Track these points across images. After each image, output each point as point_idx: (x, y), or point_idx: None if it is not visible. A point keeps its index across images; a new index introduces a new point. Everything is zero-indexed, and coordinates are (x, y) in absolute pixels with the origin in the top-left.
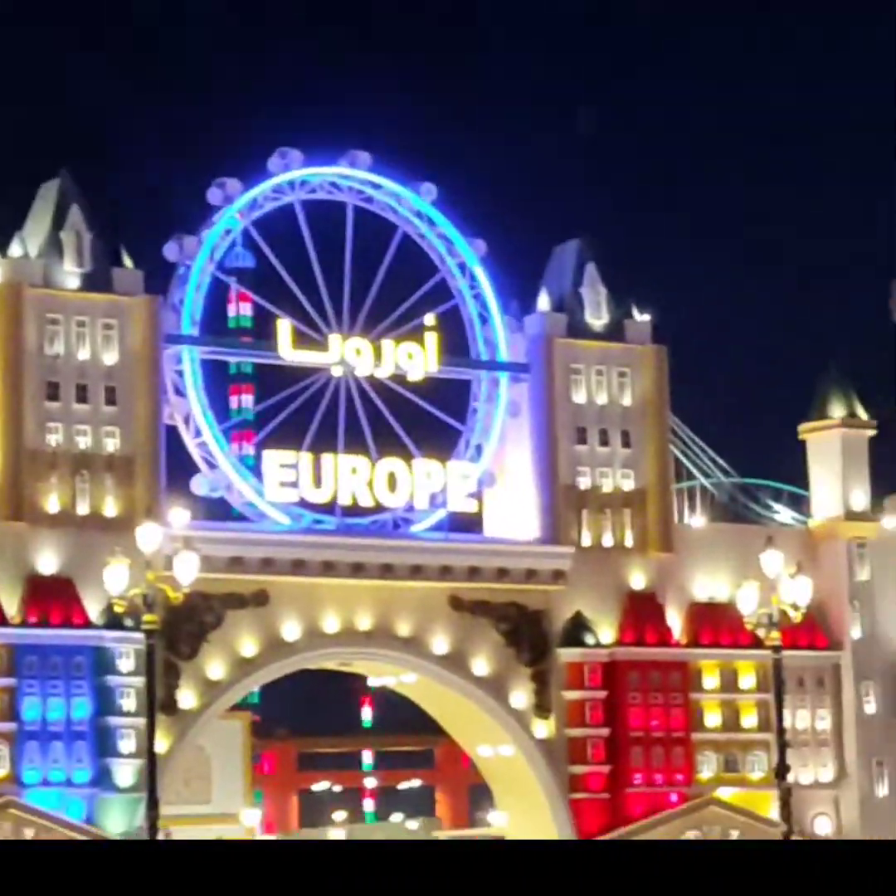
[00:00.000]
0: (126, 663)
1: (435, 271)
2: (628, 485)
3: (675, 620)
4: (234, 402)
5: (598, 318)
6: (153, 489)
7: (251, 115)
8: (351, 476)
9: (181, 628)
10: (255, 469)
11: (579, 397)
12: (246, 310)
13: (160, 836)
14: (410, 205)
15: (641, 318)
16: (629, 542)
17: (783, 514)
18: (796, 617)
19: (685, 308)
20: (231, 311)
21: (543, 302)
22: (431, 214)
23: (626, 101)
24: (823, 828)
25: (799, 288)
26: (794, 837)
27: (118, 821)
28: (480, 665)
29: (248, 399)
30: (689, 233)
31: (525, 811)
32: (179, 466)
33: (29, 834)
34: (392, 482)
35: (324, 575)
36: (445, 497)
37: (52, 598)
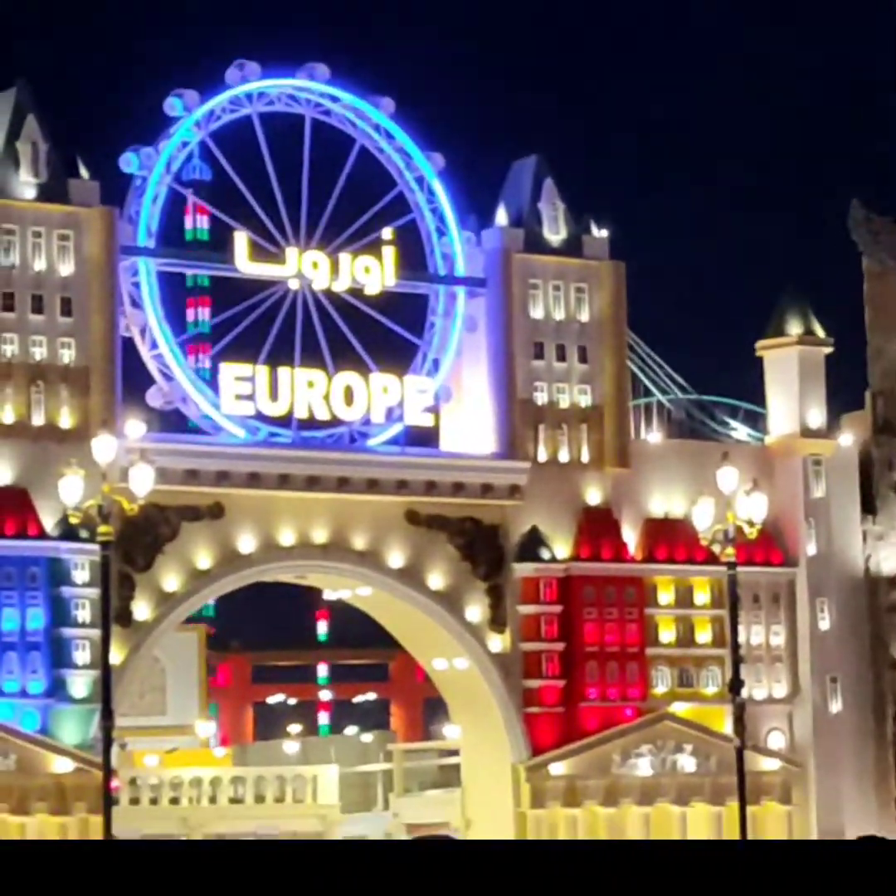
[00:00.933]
0: (81, 575)
1: (393, 185)
2: (585, 400)
3: (631, 536)
4: (190, 314)
5: (555, 233)
6: (109, 401)
7: (209, 25)
8: (307, 390)
9: (136, 540)
10: (212, 382)
11: (536, 312)
12: (203, 223)
13: (115, 747)
14: (369, 118)
15: (599, 233)
16: (585, 457)
17: (740, 431)
18: (751, 533)
19: (644, 224)
20: (188, 223)
21: (501, 217)
22: (390, 128)
23: (585, 8)
24: (776, 743)
25: (759, 204)
26: (748, 752)
27: (73, 732)
28: (436, 579)
29: (204, 312)
30: (649, 148)
31: (479, 725)
32: (135, 379)
33: None
34: (349, 396)
35: (280, 488)
36: (402, 411)
37: (6, 509)
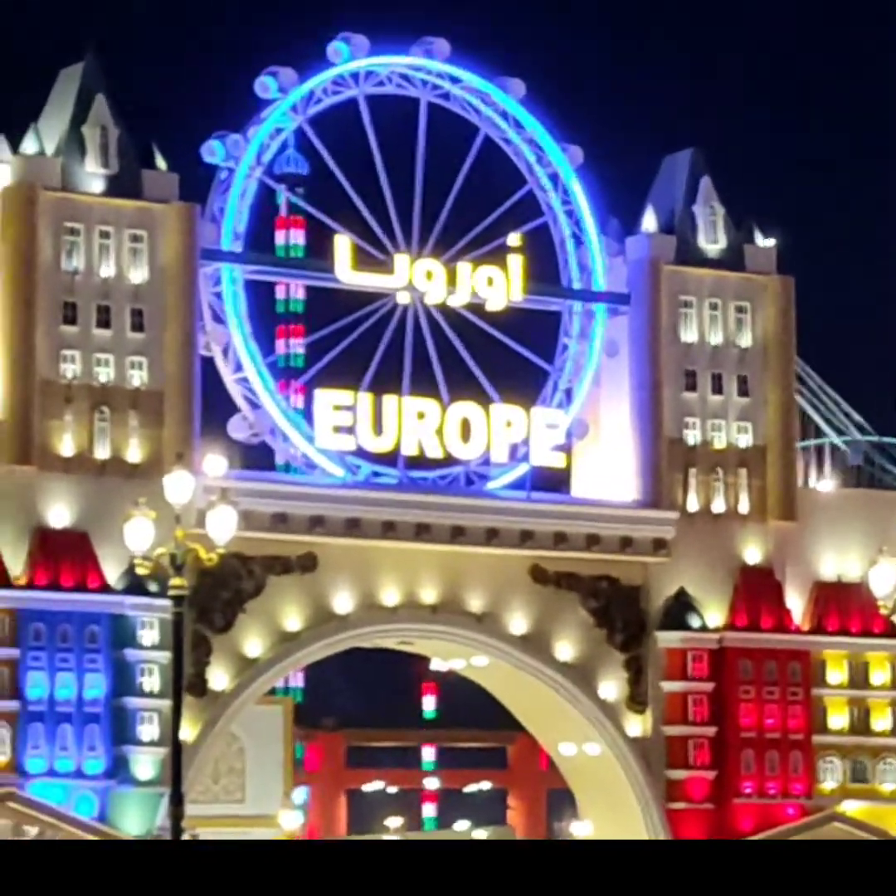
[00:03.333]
0: (149, 635)
1: (522, 183)
2: (745, 441)
3: (796, 602)
4: (280, 346)
5: (713, 242)
6: (185, 431)
7: None
8: (417, 422)
9: (215, 596)
10: (306, 412)
11: (689, 335)
12: (298, 237)
13: (185, 839)
14: (495, 103)
15: (765, 243)
16: (744, 508)
17: None
18: None
19: (817, 232)
20: (279, 238)
21: (649, 222)
22: (519, 115)
23: None
24: None
25: None
26: None
27: (135, 820)
28: (565, 648)
29: (298, 344)
30: (823, 143)
31: (613, 821)
32: (216, 406)
33: (31, 832)
34: (465, 430)
35: (383, 537)
36: (528, 449)
37: (63, 555)
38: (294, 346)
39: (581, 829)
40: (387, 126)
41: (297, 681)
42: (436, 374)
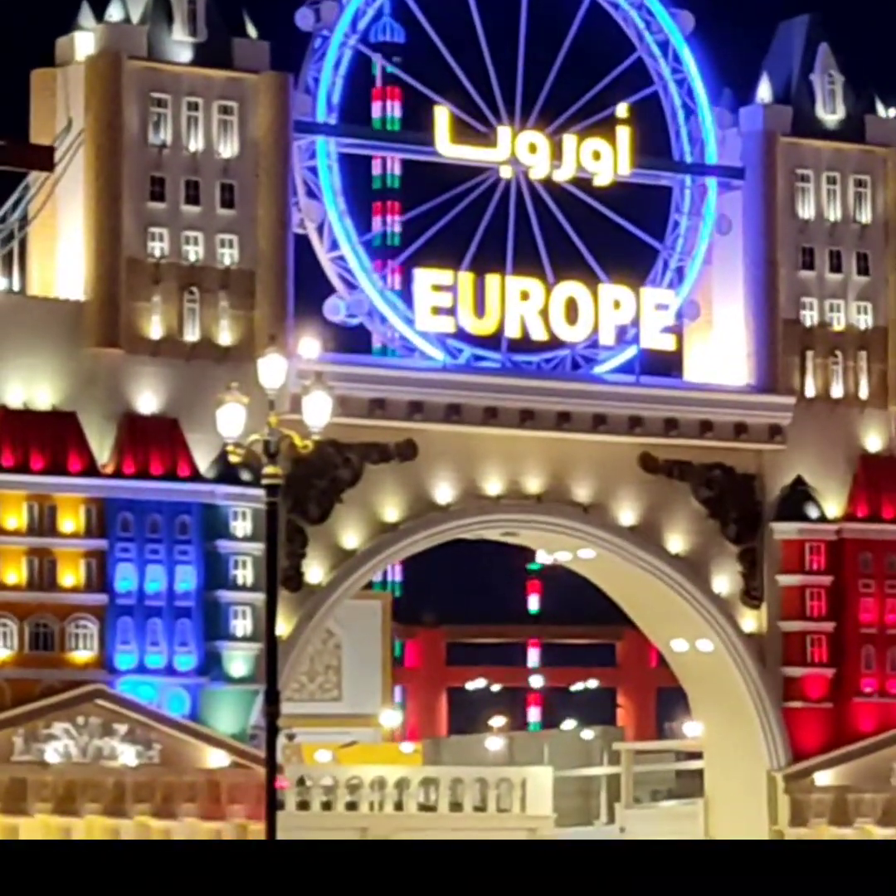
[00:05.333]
0: (241, 526)
1: (631, 50)
2: (865, 322)
3: None
4: (376, 224)
5: (831, 112)
6: (278, 313)
7: None
8: (521, 303)
9: (310, 485)
10: (405, 293)
11: (806, 211)
12: (395, 109)
13: (281, 739)
14: None
15: (887, 113)
16: (864, 392)
17: None
18: None
19: None
20: (376, 110)
21: (764, 91)
22: None
23: None
24: None
25: None
26: None
27: (229, 718)
28: (676, 541)
29: (395, 222)
30: None
31: (726, 722)
32: (311, 286)
33: (121, 730)
34: (571, 311)
35: (485, 424)
36: (638, 332)
37: (152, 442)
38: (391, 223)
39: (693, 729)
40: None
41: (396, 574)
42: (540, 252)
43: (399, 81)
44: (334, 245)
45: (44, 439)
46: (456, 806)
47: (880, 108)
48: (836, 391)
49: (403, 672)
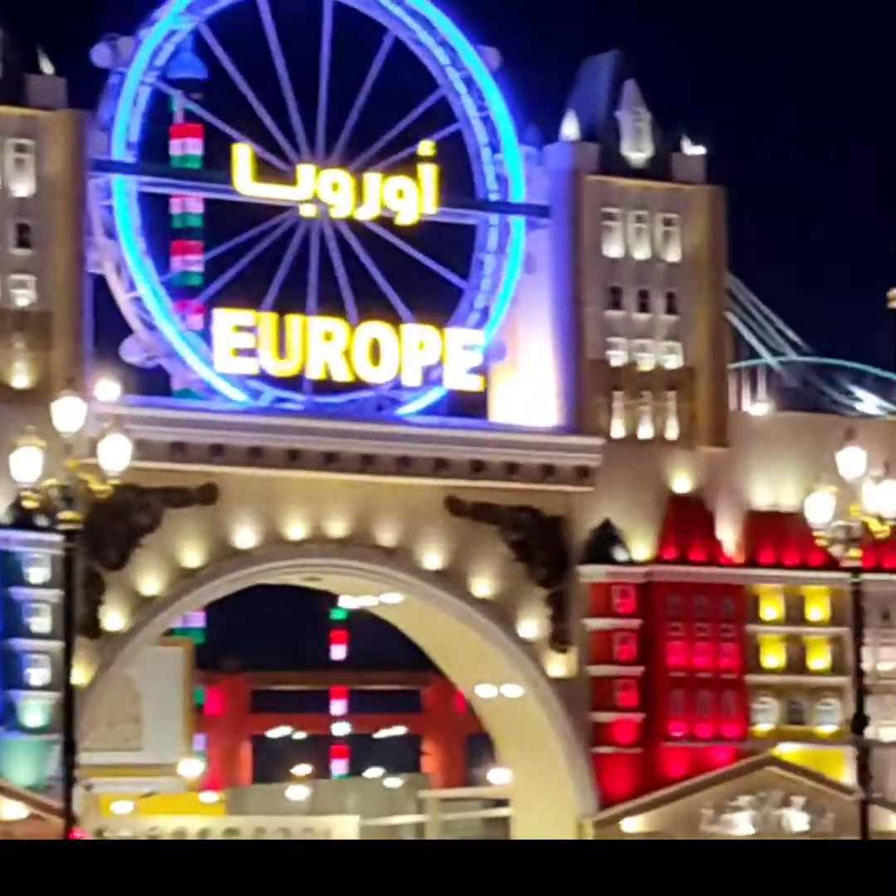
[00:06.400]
0: (38, 572)
1: (434, 87)
2: (673, 362)
3: (728, 533)
4: (176, 263)
5: (638, 149)
6: (75, 354)
7: None
8: (324, 343)
9: (108, 530)
10: (204, 333)
11: (613, 250)
12: (195, 147)
13: (79, 789)
14: (405, 2)
15: (693, 150)
16: (672, 433)
17: (868, 402)
18: (882, 532)
19: (750, 139)
20: (175, 148)
21: (570, 128)
22: (431, 14)
23: None
24: None
25: None
26: (873, 806)
27: (25, 769)
28: (483, 584)
29: (195, 261)
30: (756, 42)
31: (534, 768)
32: (109, 327)
33: None
34: (375, 352)
35: (288, 467)
36: (443, 372)
37: None
38: (191, 263)
39: (500, 776)
40: (289, 27)
41: (197, 621)
42: (343, 292)
43: (199, 118)
44: (132, 285)
45: None
46: None
47: (687, 146)
48: (645, 432)
49: (205, 720)
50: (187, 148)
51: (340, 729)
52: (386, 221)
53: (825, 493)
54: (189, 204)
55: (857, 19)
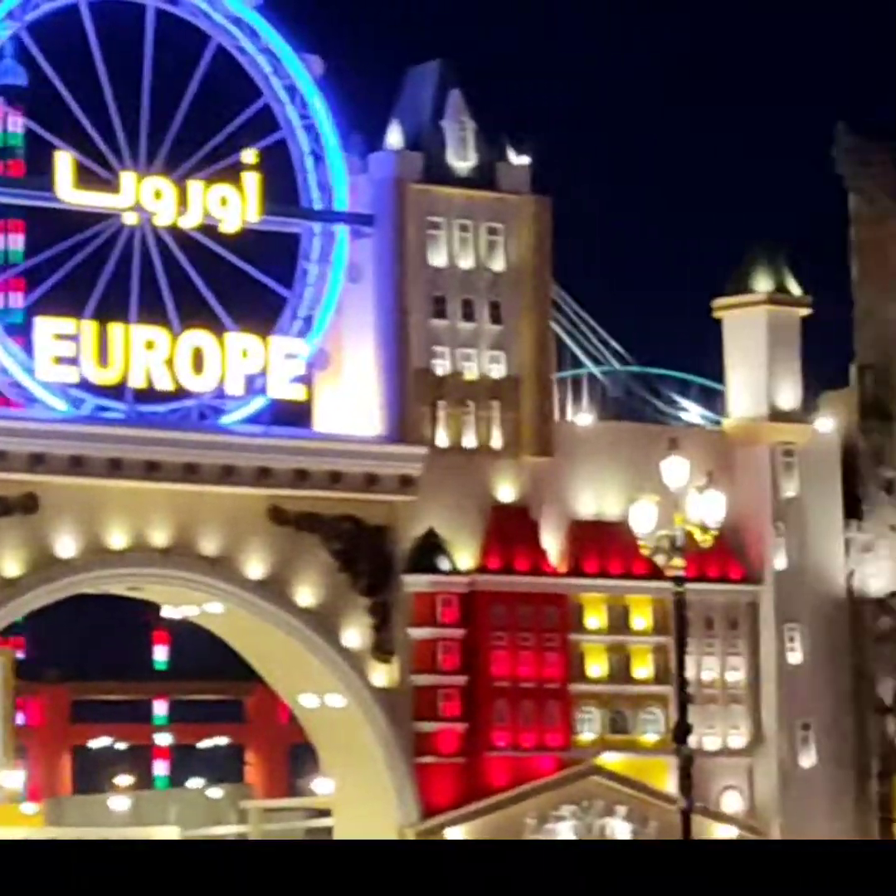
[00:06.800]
0: None
1: (258, 95)
2: (498, 371)
3: (552, 542)
4: None
5: (463, 159)
6: None
7: None
8: (146, 352)
9: None
10: (25, 341)
11: (438, 259)
12: (16, 126)
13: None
14: (228, 9)
15: (518, 160)
16: (497, 442)
17: (692, 412)
18: (705, 541)
19: (575, 150)
20: None
21: (395, 137)
22: (254, 22)
23: None
24: (733, 805)
25: (721, 127)
26: (696, 815)
27: None
28: (306, 594)
29: (17, 240)
30: (580, 53)
31: (357, 778)
32: None
33: None
34: (198, 361)
35: (109, 476)
36: (265, 381)
37: None
38: (13, 242)
39: (323, 785)
40: (111, 34)
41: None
42: (166, 300)
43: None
44: None
45: None
46: None
47: (512, 156)
48: (469, 441)
49: (25, 730)
50: (10, 126)
51: (162, 739)
52: (209, 230)
53: (648, 503)
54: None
55: (677, 30)
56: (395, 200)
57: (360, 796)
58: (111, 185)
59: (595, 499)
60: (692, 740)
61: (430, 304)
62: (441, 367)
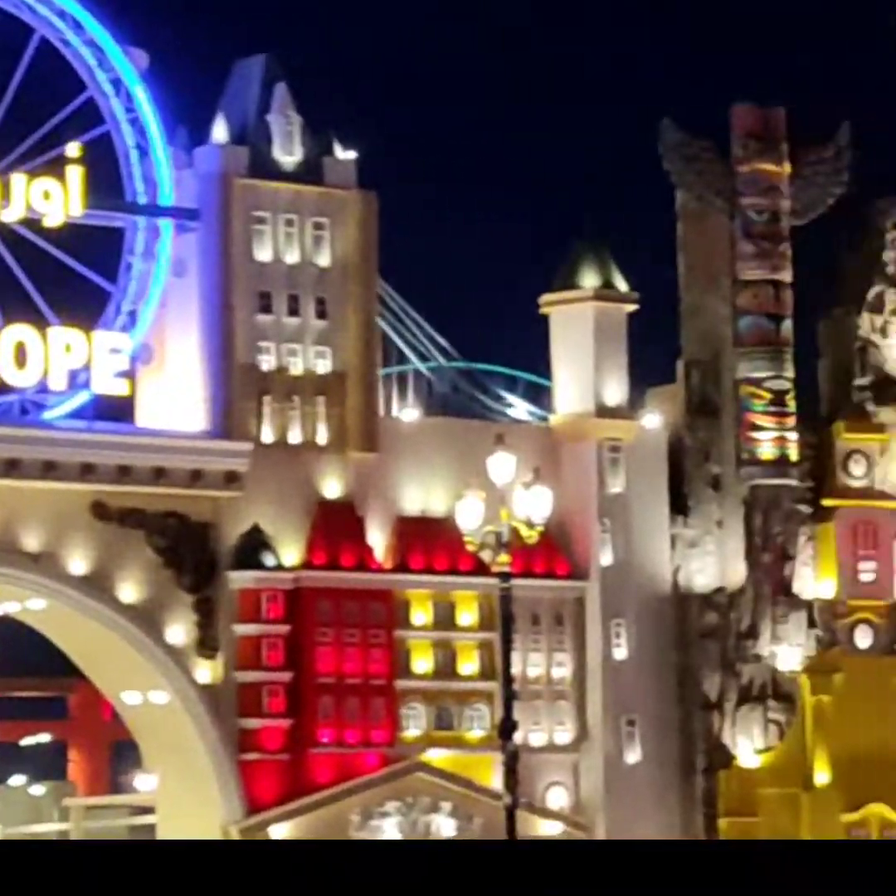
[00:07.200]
0: None
1: (82, 88)
2: (324, 367)
3: (378, 539)
4: None
5: (289, 154)
6: None
7: None
8: None
9: None
10: None
11: (264, 254)
12: None
13: None
14: (51, 2)
15: (345, 155)
16: (323, 438)
17: (518, 408)
18: (530, 537)
19: (401, 145)
20: None
21: (220, 131)
22: (78, 15)
23: None
24: (558, 801)
25: (547, 122)
26: (521, 811)
27: None
28: (129, 590)
29: None
30: (407, 48)
31: (181, 775)
32: None
33: None
34: (20, 355)
35: None
36: (89, 376)
37: None
38: None
39: (146, 783)
40: None
41: None
42: None
43: None
44: None
45: None
46: None
47: (339, 150)
48: (294, 437)
49: None
50: None
51: None
52: (32, 223)
53: (474, 499)
54: None
55: (508, 27)
56: (221, 195)
57: (183, 793)
58: None
59: (421, 495)
60: (518, 736)
61: (255, 300)
62: (266, 362)
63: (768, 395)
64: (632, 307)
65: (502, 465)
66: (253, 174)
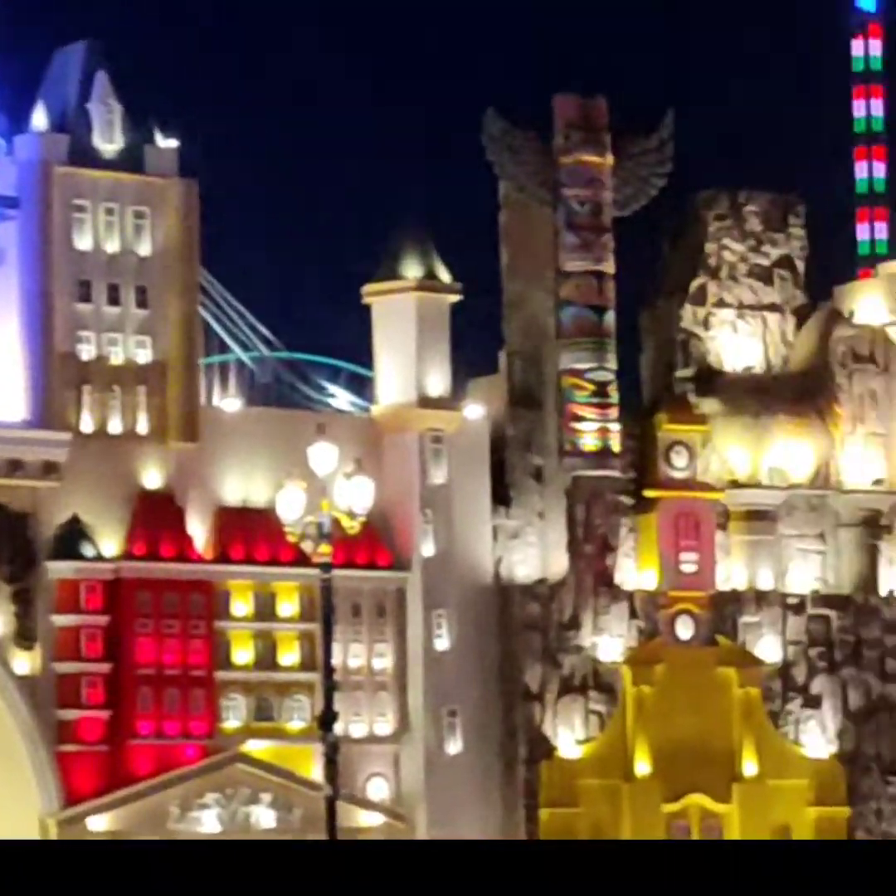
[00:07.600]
0: None
1: None
2: (144, 356)
3: (199, 529)
4: None
5: (110, 141)
6: None
7: None
8: None
9: None
10: None
11: (84, 243)
12: None
13: None
14: None
15: (166, 143)
16: (143, 428)
17: (340, 398)
18: (352, 528)
19: (223, 132)
20: None
21: (40, 119)
22: None
23: None
24: (379, 792)
25: (369, 108)
26: (341, 802)
27: None
28: None
29: None
30: (229, 37)
31: (2, 769)
32: None
33: None
34: None
35: None
36: None
37: None
38: None
39: None
40: None
41: None
42: None
43: None
44: None
45: None
46: None
47: (160, 139)
48: (114, 426)
49: None
50: None
51: None
52: None
53: (295, 489)
54: None
55: (344, 16)
56: (40, 183)
57: (1, 784)
58: None
59: (242, 485)
60: (338, 727)
61: (75, 288)
62: (86, 351)
63: (591, 387)
64: (455, 297)
65: (323, 456)
66: (73, 162)
